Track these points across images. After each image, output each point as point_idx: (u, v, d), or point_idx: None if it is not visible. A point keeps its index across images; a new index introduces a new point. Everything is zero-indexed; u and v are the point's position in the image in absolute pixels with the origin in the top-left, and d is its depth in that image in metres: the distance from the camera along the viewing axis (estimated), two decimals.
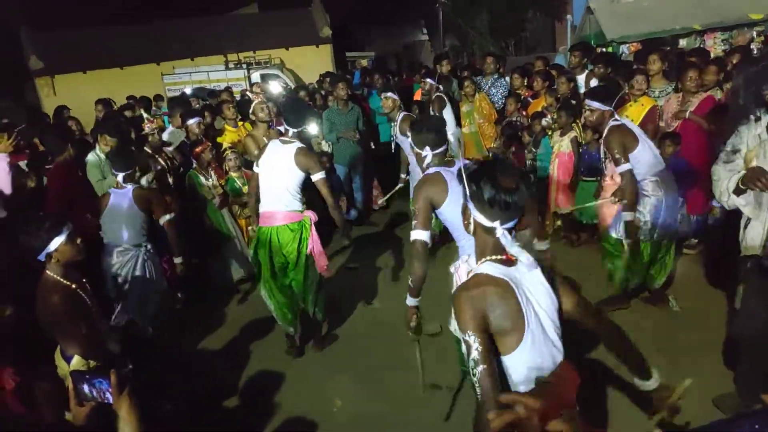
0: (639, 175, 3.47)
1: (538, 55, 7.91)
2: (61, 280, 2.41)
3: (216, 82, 15.59)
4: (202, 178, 4.76)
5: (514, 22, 23.69)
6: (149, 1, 21.69)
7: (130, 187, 3.65)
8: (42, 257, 2.38)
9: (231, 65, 17.33)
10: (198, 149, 4.84)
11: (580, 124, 4.83)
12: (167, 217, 3.74)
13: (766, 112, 2.49)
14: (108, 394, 1.33)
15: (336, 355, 3.81)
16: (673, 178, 3.60)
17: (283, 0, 20.77)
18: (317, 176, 3.44)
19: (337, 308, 4.20)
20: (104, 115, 6.28)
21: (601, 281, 4.04)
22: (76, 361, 2.37)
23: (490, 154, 5.64)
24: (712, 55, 6.26)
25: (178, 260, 3.82)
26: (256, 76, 16.15)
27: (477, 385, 1.43)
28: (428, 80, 6.02)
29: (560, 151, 5.00)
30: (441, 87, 5.99)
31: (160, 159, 4.79)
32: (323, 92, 7.62)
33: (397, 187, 5.17)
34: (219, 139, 5.55)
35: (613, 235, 3.70)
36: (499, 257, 1.55)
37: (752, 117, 2.53)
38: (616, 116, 3.49)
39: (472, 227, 1.59)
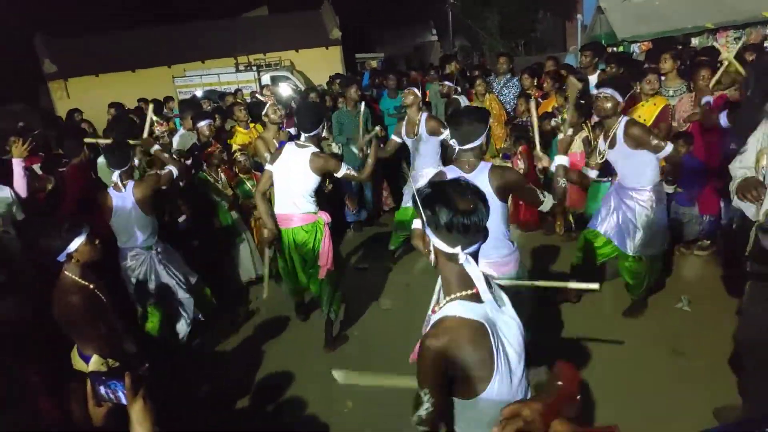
0: (644, 181, 3.44)
1: (548, 56, 7.88)
2: (79, 280, 2.46)
3: (226, 84, 15.72)
4: (212, 180, 4.80)
5: (525, 22, 23.62)
6: (160, 6, 21.94)
7: (129, 187, 3.60)
8: (62, 257, 2.44)
9: (241, 67, 17.42)
10: (209, 149, 4.87)
11: (590, 125, 4.81)
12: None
13: None
14: (122, 395, 1.33)
15: (347, 356, 3.82)
16: (665, 194, 3.59)
17: (293, 2, 20.90)
18: (341, 172, 3.59)
19: (347, 309, 4.21)
20: (113, 117, 6.40)
21: (615, 284, 4.03)
22: (95, 361, 2.41)
23: (501, 155, 5.64)
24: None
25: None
26: (266, 78, 16.27)
27: None
28: (446, 82, 6.20)
29: (571, 151, 4.97)
30: (459, 89, 6.04)
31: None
32: (333, 94, 7.65)
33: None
34: (230, 141, 5.58)
35: (629, 252, 3.56)
36: (468, 292, 1.44)
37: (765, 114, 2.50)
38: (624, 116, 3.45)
39: (433, 257, 1.47)
